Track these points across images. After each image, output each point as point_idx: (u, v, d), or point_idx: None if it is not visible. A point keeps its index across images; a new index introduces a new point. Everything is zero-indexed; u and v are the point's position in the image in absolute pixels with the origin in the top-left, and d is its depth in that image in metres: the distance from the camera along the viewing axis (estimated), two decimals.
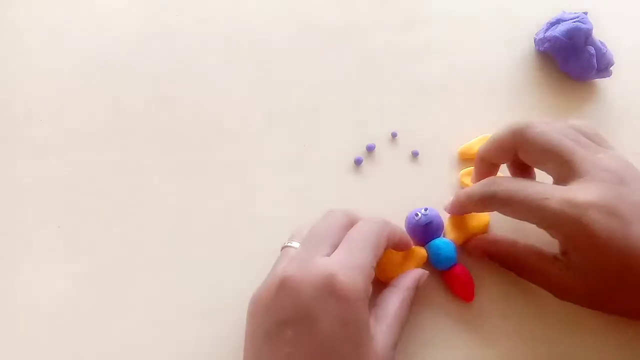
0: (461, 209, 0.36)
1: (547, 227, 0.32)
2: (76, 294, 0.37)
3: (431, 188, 0.40)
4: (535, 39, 0.46)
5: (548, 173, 0.34)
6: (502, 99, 0.44)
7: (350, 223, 0.33)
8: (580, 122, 0.35)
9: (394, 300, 0.33)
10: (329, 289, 0.28)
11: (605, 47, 0.44)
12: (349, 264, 0.29)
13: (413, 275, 0.34)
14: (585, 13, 0.44)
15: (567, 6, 0.46)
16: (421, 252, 0.36)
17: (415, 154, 0.41)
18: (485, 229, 0.37)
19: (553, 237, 0.32)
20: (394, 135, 0.42)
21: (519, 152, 0.34)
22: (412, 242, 0.36)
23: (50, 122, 0.43)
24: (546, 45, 0.44)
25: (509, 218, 0.33)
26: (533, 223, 0.32)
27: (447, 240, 0.36)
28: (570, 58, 0.43)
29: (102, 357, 0.35)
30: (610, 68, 0.44)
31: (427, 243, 0.36)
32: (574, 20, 0.43)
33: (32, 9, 0.48)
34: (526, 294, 0.36)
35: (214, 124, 0.43)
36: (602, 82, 0.45)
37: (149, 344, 0.35)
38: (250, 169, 0.41)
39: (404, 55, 0.46)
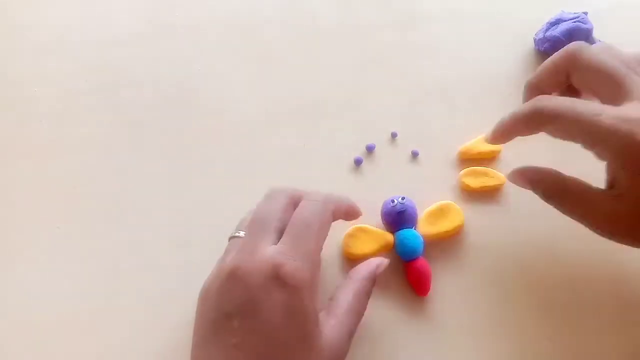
0: (504, 132, 0.35)
1: (597, 144, 0.30)
2: (76, 294, 0.37)
3: (431, 188, 0.40)
4: (535, 39, 0.46)
5: (600, 98, 0.33)
6: (502, 99, 0.44)
7: (293, 202, 0.32)
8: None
9: (347, 292, 0.32)
10: (275, 279, 0.28)
11: None
12: (294, 252, 0.29)
13: (369, 266, 0.34)
14: (586, 13, 0.44)
15: (567, 6, 0.46)
16: (388, 237, 0.37)
17: (415, 154, 0.41)
18: (458, 229, 0.38)
19: (601, 158, 0.31)
20: (394, 135, 0.42)
21: (571, 75, 0.33)
22: (360, 212, 0.36)
23: (50, 122, 0.43)
24: (546, 45, 0.44)
25: (485, 215, 0.35)
26: (580, 142, 0.31)
27: (417, 232, 0.37)
28: None
29: (102, 357, 0.35)
30: None
31: (397, 231, 0.37)
32: (574, 20, 0.43)
33: (33, 10, 0.48)
34: (482, 295, 0.36)
35: (214, 124, 0.43)
36: None
37: (149, 344, 0.36)
38: (250, 169, 0.41)
39: (404, 55, 0.46)
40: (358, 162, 0.41)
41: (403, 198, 0.37)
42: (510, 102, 0.44)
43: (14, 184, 0.41)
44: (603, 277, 0.36)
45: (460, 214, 0.38)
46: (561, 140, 0.42)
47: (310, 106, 0.44)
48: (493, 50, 0.46)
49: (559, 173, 0.34)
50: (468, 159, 0.41)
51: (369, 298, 0.33)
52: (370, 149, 0.42)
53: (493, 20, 0.47)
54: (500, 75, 0.45)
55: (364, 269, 0.34)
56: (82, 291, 0.37)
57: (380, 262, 0.35)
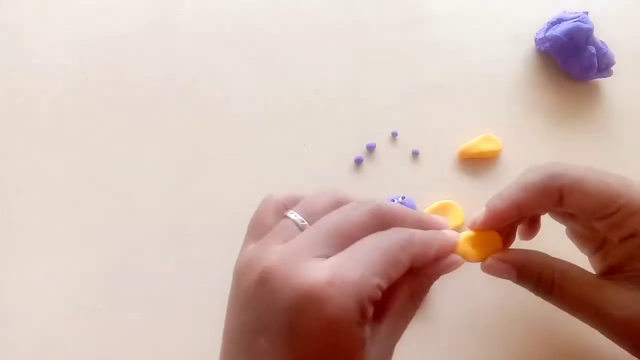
0: (507, 208, 0.28)
1: (627, 214, 0.27)
2: (76, 293, 0.37)
3: (431, 187, 0.40)
4: (535, 39, 0.46)
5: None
6: (502, 98, 0.44)
7: (381, 225, 0.26)
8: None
9: (405, 289, 0.26)
10: (307, 305, 0.22)
11: (606, 47, 0.44)
12: (343, 276, 0.23)
13: (441, 265, 0.27)
14: (586, 13, 0.44)
15: (568, 6, 0.46)
16: None
17: (415, 154, 0.41)
18: (458, 229, 0.37)
19: (623, 232, 0.27)
20: (394, 134, 0.42)
21: (566, 196, 0.28)
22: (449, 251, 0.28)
23: (50, 121, 0.43)
24: (547, 45, 0.44)
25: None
26: (607, 212, 0.27)
27: None
28: (571, 58, 0.43)
29: (102, 357, 0.35)
30: (611, 68, 0.44)
31: None
32: (575, 19, 0.43)
33: (33, 8, 0.48)
34: (482, 295, 0.36)
35: (214, 123, 0.43)
36: (602, 82, 0.45)
37: (149, 344, 0.35)
38: (251, 168, 0.41)
39: (404, 54, 0.46)
40: (359, 162, 0.41)
41: (403, 197, 0.37)
42: (510, 102, 0.44)
43: (14, 183, 0.41)
44: None
45: (461, 213, 0.38)
46: (562, 141, 0.42)
47: (310, 106, 0.43)
48: (494, 49, 0.46)
49: (549, 257, 0.29)
50: (468, 159, 0.41)
51: (422, 301, 0.27)
52: (370, 148, 0.42)
53: (494, 20, 0.47)
54: (501, 75, 0.45)
55: (434, 268, 0.27)
56: (82, 290, 0.37)
57: (455, 261, 0.27)
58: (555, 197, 0.28)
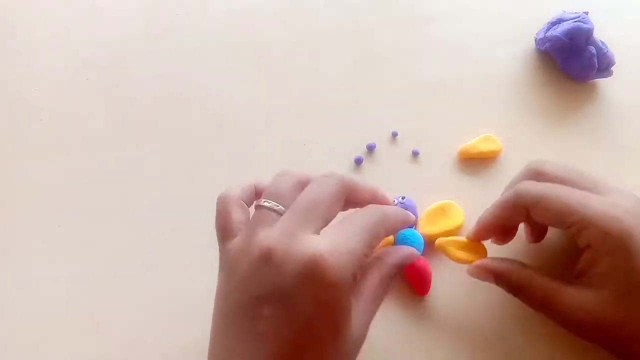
0: (491, 220, 0.34)
1: (584, 228, 0.30)
2: (76, 294, 0.37)
3: (431, 188, 0.40)
4: (535, 39, 0.46)
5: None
6: (502, 99, 0.44)
7: (346, 193, 0.30)
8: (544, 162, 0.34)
9: (374, 276, 0.30)
10: (314, 272, 0.26)
11: (606, 47, 0.44)
12: (339, 249, 0.27)
13: (400, 252, 0.32)
14: (586, 13, 0.44)
15: (568, 6, 0.46)
16: (389, 237, 0.36)
17: (415, 153, 0.41)
18: (459, 228, 0.38)
19: (587, 243, 0.30)
20: (394, 134, 0.42)
21: (530, 214, 0.32)
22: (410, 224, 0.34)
23: (50, 122, 0.43)
24: (547, 45, 0.44)
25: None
26: (567, 225, 0.31)
27: (417, 232, 0.36)
28: (571, 58, 0.43)
29: (102, 357, 0.35)
30: (611, 68, 0.44)
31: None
32: (575, 20, 0.43)
33: (33, 9, 0.48)
34: (482, 295, 0.36)
35: (214, 123, 0.43)
36: (603, 82, 0.45)
37: (149, 344, 0.35)
38: (251, 169, 0.41)
39: (404, 55, 0.46)
40: (358, 162, 0.41)
41: (403, 198, 0.37)
42: (510, 102, 0.44)
43: (14, 184, 0.41)
44: None
45: (460, 213, 0.38)
46: (562, 142, 0.42)
47: (310, 106, 0.44)
48: (494, 50, 0.46)
49: (522, 264, 0.33)
50: (468, 158, 0.41)
51: (392, 285, 0.31)
52: (370, 148, 0.42)
53: (494, 20, 0.47)
54: (501, 75, 0.45)
55: (395, 255, 0.32)
56: (82, 290, 0.37)
57: (412, 253, 0.33)
58: (523, 212, 0.32)
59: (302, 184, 0.30)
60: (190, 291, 0.37)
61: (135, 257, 0.38)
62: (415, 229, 0.37)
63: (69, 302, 0.37)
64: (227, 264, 0.29)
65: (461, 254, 0.35)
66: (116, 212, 0.40)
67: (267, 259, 0.27)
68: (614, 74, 0.44)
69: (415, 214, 0.37)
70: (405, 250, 0.33)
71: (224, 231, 0.30)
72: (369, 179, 0.41)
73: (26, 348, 0.36)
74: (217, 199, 0.31)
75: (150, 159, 0.42)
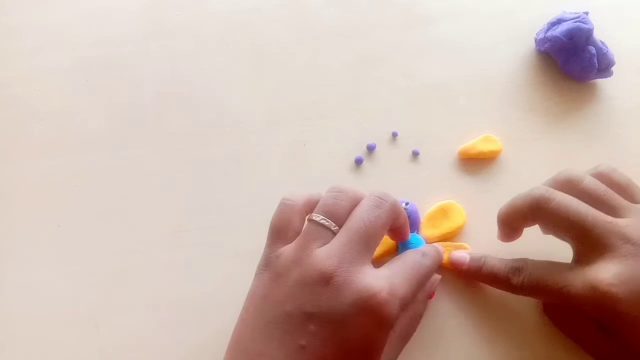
0: (507, 222, 0.35)
1: (609, 250, 0.31)
2: (76, 294, 0.37)
3: (431, 188, 0.40)
4: (535, 39, 0.46)
5: (569, 244, 0.33)
6: (502, 99, 0.44)
7: (390, 222, 0.31)
8: (611, 170, 0.34)
9: (406, 316, 0.32)
10: (371, 306, 0.27)
11: (606, 47, 0.44)
12: (396, 290, 0.28)
13: (425, 287, 0.34)
14: (586, 13, 0.44)
15: (568, 6, 0.46)
16: (391, 241, 0.37)
17: (415, 154, 0.41)
18: (461, 229, 0.38)
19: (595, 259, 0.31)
20: (394, 135, 0.42)
21: (538, 223, 0.34)
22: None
23: (50, 122, 0.43)
24: (547, 45, 0.44)
25: (487, 214, 0.36)
26: (580, 241, 0.32)
27: (420, 236, 0.37)
28: (571, 58, 0.43)
29: (102, 357, 0.35)
30: (612, 68, 0.44)
31: None
32: (575, 20, 0.43)
33: (32, 9, 0.48)
34: (483, 297, 0.36)
35: (214, 123, 0.43)
36: (602, 82, 0.45)
37: (149, 344, 0.35)
38: (250, 169, 0.41)
39: (404, 55, 0.46)
40: (359, 162, 0.41)
41: (407, 203, 0.36)
42: (510, 103, 0.44)
43: (14, 184, 0.41)
44: None
45: (462, 213, 0.38)
46: (562, 142, 0.42)
47: (310, 106, 0.43)
48: (494, 50, 0.46)
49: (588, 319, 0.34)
50: (468, 159, 0.41)
51: (418, 323, 0.34)
52: (370, 149, 0.42)
53: (494, 20, 0.47)
54: (501, 75, 0.45)
55: (421, 291, 0.33)
56: (82, 290, 0.37)
57: (435, 279, 0.35)
58: (531, 219, 0.34)
59: (355, 203, 0.31)
60: (190, 291, 0.37)
61: (135, 257, 0.38)
62: (417, 233, 0.37)
63: (69, 302, 0.37)
64: (277, 269, 0.30)
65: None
66: (116, 212, 0.40)
67: (326, 281, 0.28)
68: (614, 74, 0.44)
69: (417, 218, 0.37)
70: (430, 283, 0.35)
71: (279, 233, 0.31)
72: (369, 179, 0.41)
73: (26, 348, 0.36)
74: (283, 199, 0.32)
75: (150, 159, 0.42)
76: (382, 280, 0.28)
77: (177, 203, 0.40)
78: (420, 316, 0.34)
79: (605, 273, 0.30)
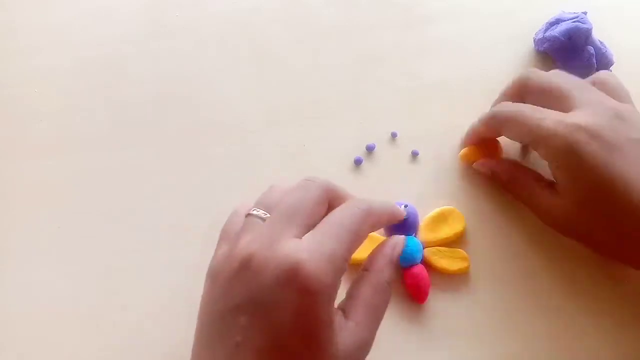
0: (473, 134, 0.40)
1: (539, 146, 0.34)
2: (76, 294, 0.37)
3: (430, 188, 0.40)
4: (534, 39, 0.46)
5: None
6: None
7: (328, 197, 0.29)
8: (605, 75, 0.38)
9: (366, 289, 0.29)
10: (292, 278, 0.25)
11: (605, 47, 0.44)
12: (319, 253, 0.26)
13: (384, 251, 0.30)
14: (585, 13, 0.44)
15: (567, 6, 0.46)
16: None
17: (415, 154, 0.41)
18: (459, 235, 0.38)
19: (544, 158, 0.34)
20: (394, 135, 0.42)
21: (525, 99, 0.37)
22: (402, 215, 0.34)
23: (50, 122, 0.43)
24: (545, 45, 0.44)
25: (486, 220, 0.38)
26: (527, 142, 0.35)
27: (417, 240, 0.36)
28: (570, 58, 0.43)
29: (102, 357, 0.35)
30: (611, 68, 0.44)
31: None
32: (574, 20, 0.43)
33: (32, 9, 0.48)
34: (480, 303, 0.36)
35: (214, 124, 0.43)
36: None
37: (149, 344, 0.36)
38: (250, 169, 0.41)
39: (404, 55, 0.46)
40: (358, 162, 0.41)
41: (406, 205, 0.36)
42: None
43: (14, 184, 0.41)
44: (603, 280, 0.36)
45: (461, 219, 0.38)
46: None
47: (310, 106, 0.44)
48: (493, 50, 0.46)
49: (518, 164, 0.38)
50: (468, 159, 0.41)
51: (391, 288, 0.29)
52: (370, 149, 0.42)
53: (493, 21, 0.47)
54: (500, 75, 0.45)
55: (380, 258, 0.30)
56: (82, 291, 0.37)
57: (396, 242, 0.31)
58: (497, 130, 0.38)
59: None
60: (190, 291, 0.37)
61: (135, 258, 0.38)
62: (415, 236, 0.37)
63: (69, 303, 0.37)
64: (211, 271, 0.29)
65: (444, 262, 0.36)
66: (116, 212, 0.40)
67: (246, 265, 0.26)
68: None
69: (417, 221, 0.37)
70: (388, 245, 0.31)
71: (222, 237, 0.31)
72: (369, 179, 0.41)
73: (26, 348, 0.36)
74: (231, 213, 0.33)
75: (150, 160, 0.42)
76: (302, 246, 0.26)
77: (177, 203, 0.40)
78: (388, 284, 0.29)
79: (578, 117, 0.33)
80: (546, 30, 0.45)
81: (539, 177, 0.36)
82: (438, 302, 0.36)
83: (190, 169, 0.41)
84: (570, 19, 0.43)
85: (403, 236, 0.32)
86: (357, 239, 0.28)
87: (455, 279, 0.37)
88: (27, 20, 0.47)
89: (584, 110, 0.33)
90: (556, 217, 0.35)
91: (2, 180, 0.41)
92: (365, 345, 0.28)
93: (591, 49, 0.43)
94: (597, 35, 0.44)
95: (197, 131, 0.43)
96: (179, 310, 0.36)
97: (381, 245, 0.31)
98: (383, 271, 0.29)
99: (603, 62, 0.43)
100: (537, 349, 0.35)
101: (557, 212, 0.34)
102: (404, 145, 0.42)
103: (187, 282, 0.37)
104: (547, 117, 0.33)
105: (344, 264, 0.27)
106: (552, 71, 0.37)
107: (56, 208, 0.40)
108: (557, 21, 0.44)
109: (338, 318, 0.27)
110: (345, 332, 0.27)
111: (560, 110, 0.34)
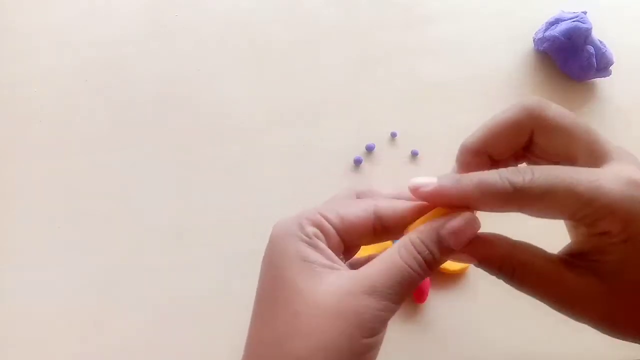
0: (438, 195, 0.26)
1: (598, 218, 0.24)
2: (76, 294, 0.37)
3: None
4: (534, 39, 0.46)
5: (568, 160, 0.27)
6: (501, 99, 0.44)
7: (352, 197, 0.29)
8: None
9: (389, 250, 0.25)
10: (271, 238, 0.26)
11: (605, 47, 0.44)
12: (294, 214, 0.26)
13: (432, 224, 0.26)
14: (585, 12, 0.44)
15: (566, 6, 0.46)
16: (388, 244, 0.35)
17: (415, 154, 0.41)
18: None
19: (594, 231, 0.25)
20: (393, 135, 0.42)
21: (537, 134, 0.28)
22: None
23: (50, 122, 0.43)
24: (545, 45, 0.44)
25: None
26: (574, 218, 0.25)
27: None
28: (570, 58, 0.44)
29: (102, 357, 0.35)
30: (610, 67, 0.44)
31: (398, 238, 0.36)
32: (573, 19, 0.43)
33: (33, 10, 0.48)
34: (479, 303, 0.36)
35: (214, 124, 0.43)
36: (601, 82, 0.45)
37: (149, 344, 0.36)
38: (250, 169, 0.41)
39: (404, 55, 0.46)
40: (358, 162, 0.41)
41: None
42: (510, 103, 0.44)
43: (14, 184, 0.41)
44: None
45: None
46: None
47: (310, 106, 0.44)
48: (492, 50, 0.46)
49: (514, 243, 0.27)
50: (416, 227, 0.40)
51: (425, 268, 0.25)
52: (370, 149, 0.42)
53: (493, 20, 0.47)
54: (500, 75, 0.45)
55: (423, 227, 0.26)
56: (82, 291, 0.37)
57: (455, 219, 0.25)
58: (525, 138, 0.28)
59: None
60: (190, 291, 0.37)
61: (135, 258, 0.38)
62: None
63: (69, 303, 0.37)
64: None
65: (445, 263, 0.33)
66: (116, 212, 0.40)
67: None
68: (612, 73, 0.44)
69: None
70: (453, 216, 0.26)
71: None
72: (369, 179, 0.41)
73: (26, 348, 0.36)
74: None
75: (150, 160, 0.42)
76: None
77: (177, 203, 0.40)
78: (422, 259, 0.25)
79: (630, 172, 0.24)
80: (546, 30, 0.45)
81: (548, 255, 0.27)
82: (438, 302, 0.36)
83: (191, 169, 0.41)
84: (570, 19, 0.43)
85: (473, 215, 0.26)
86: (337, 199, 0.28)
87: (455, 279, 0.37)
88: (27, 20, 0.47)
89: (624, 164, 0.25)
90: (593, 303, 0.26)
91: (2, 180, 0.41)
92: (371, 292, 0.23)
93: (591, 49, 0.43)
94: (597, 35, 0.44)
95: (197, 131, 0.43)
96: (179, 310, 0.36)
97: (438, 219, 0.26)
98: (415, 242, 0.25)
99: (603, 62, 0.43)
100: (536, 349, 0.35)
101: (594, 299, 0.25)
102: (403, 145, 0.42)
103: (187, 282, 0.37)
104: (599, 177, 0.24)
105: (314, 215, 0.26)
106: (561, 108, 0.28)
107: (56, 208, 0.40)
108: (557, 21, 0.44)
109: (327, 262, 0.25)
110: (332, 279, 0.24)
111: (588, 159, 0.26)
